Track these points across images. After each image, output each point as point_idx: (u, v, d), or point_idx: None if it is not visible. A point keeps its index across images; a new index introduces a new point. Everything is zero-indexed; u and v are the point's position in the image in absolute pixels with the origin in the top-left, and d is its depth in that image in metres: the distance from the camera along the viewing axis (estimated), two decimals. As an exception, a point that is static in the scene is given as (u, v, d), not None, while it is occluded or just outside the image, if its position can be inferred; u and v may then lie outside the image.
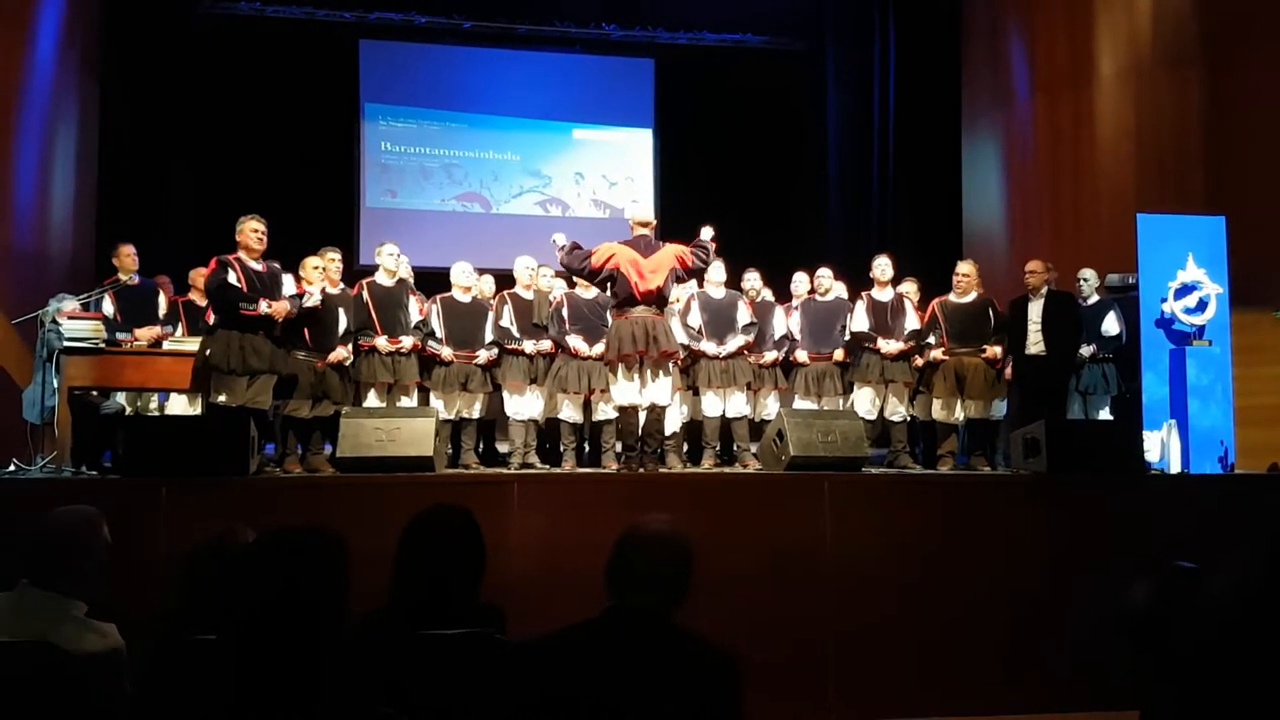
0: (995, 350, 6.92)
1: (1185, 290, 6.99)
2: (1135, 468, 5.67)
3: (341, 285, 6.69)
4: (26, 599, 2.46)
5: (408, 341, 6.67)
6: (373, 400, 6.55)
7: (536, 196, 12.04)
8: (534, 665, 2.08)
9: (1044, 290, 6.98)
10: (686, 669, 2.05)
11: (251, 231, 5.90)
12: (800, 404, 7.26)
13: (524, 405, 6.91)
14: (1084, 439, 5.75)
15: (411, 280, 7.20)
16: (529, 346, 6.94)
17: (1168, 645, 2.33)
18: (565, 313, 6.98)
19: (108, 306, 6.65)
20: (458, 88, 11.83)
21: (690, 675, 2.05)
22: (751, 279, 7.55)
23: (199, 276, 7.08)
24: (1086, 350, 7.16)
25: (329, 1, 11.31)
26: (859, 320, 7.22)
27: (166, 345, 6.33)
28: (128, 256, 6.96)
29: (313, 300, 6.16)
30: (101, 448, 6.23)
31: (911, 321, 7.18)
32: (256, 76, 10.81)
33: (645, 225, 6.43)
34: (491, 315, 7.05)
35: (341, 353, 6.32)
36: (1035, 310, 6.95)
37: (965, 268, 7.15)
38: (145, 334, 6.58)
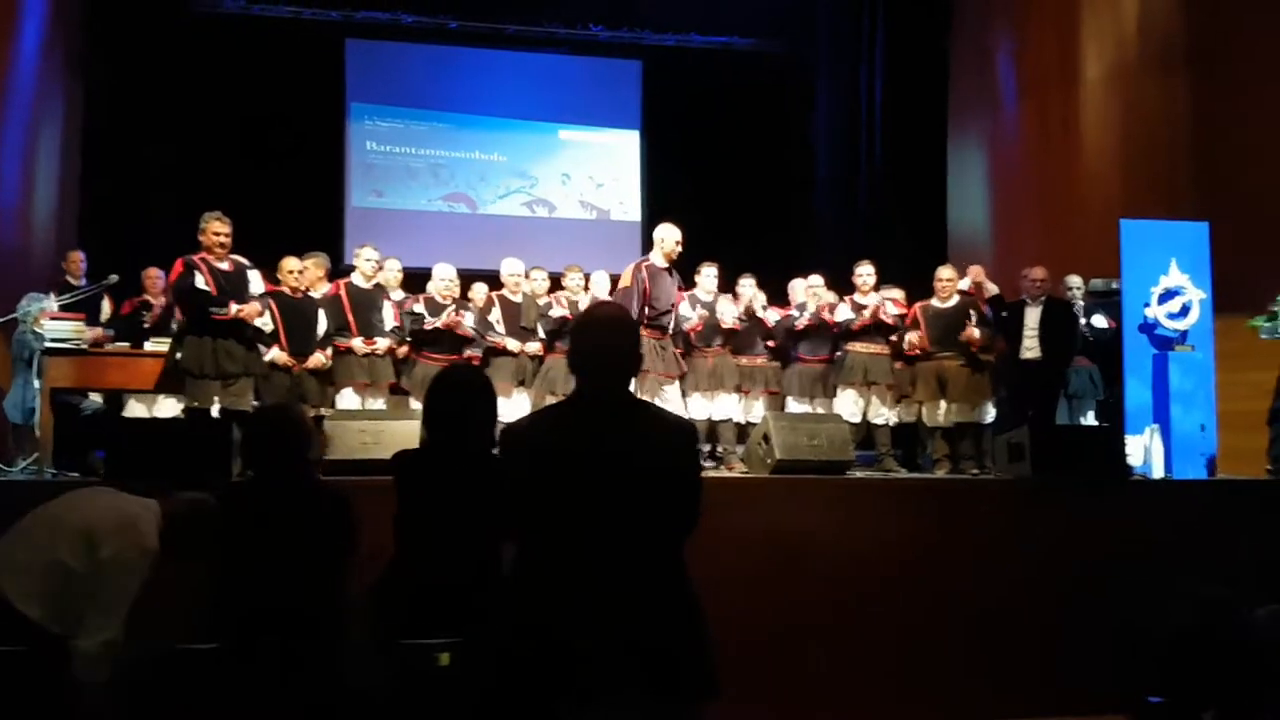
0: (973, 332, 6.88)
1: (1168, 295, 7.02)
2: (1118, 473, 5.69)
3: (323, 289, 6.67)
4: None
5: (383, 344, 6.65)
6: (347, 399, 6.51)
7: (523, 197, 12.01)
8: (540, 428, 2.37)
9: (1042, 297, 7.04)
10: (660, 428, 2.38)
11: (214, 234, 5.77)
12: (795, 406, 7.29)
13: (511, 408, 6.89)
14: (1068, 444, 5.77)
15: (399, 283, 7.18)
16: (512, 344, 6.93)
17: (1209, 671, 2.38)
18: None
19: (51, 304, 6.64)
20: (444, 88, 11.79)
21: (664, 432, 2.36)
22: (746, 285, 7.52)
23: (149, 278, 7.36)
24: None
25: (315, 0, 11.25)
26: (842, 311, 7.25)
27: (149, 346, 6.30)
28: (75, 262, 7.18)
29: (263, 322, 6.06)
30: (82, 449, 6.19)
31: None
32: (242, 75, 10.73)
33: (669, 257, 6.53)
34: (472, 309, 7.07)
35: (319, 358, 6.29)
36: (1033, 316, 7.00)
37: (946, 272, 7.19)
38: (88, 335, 6.58)
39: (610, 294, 7.63)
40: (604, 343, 2.34)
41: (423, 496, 2.79)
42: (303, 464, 3.11)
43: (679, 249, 6.54)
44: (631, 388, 2.45)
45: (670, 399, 6.55)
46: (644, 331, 6.33)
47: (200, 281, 5.68)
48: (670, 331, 6.87)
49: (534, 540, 2.21)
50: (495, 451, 2.80)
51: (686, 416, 7.10)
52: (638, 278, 6.35)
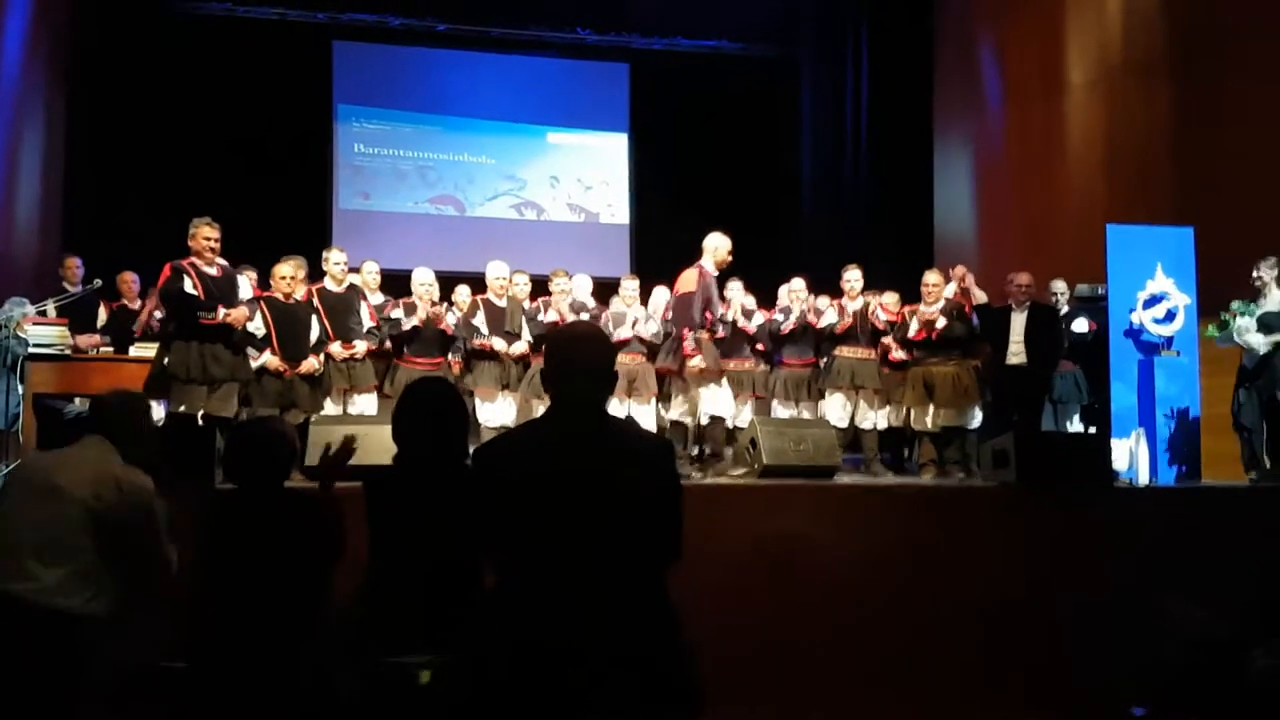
0: (932, 313, 6.89)
1: (1154, 300, 7.03)
2: (1103, 479, 5.70)
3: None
4: (89, 443, 3.26)
5: (362, 346, 6.62)
6: (330, 406, 6.47)
7: (511, 200, 12.01)
8: (515, 449, 2.29)
9: (1027, 302, 7.06)
10: (637, 448, 2.31)
11: (204, 239, 5.75)
12: (777, 411, 7.29)
13: (495, 412, 6.88)
14: (1053, 450, 5.78)
15: (377, 286, 7.16)
16: (499, 344, 6.91)
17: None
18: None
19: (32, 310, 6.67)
20: (432, 90, 11.78)
21: (641, 450, 2.30)
22: (734, 289, 7.52)
23: (124, 283, 7.46)
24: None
25: (302, 2, 11.21)
26: (828, 315, 7.26)
27: (133, 351, 6.28)
28: (71, 268, 7.25)
29: (255, 326, 6.07)
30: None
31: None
32: (228, 77, 10.69)
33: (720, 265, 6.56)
34: (455, 311, 7.05)
35: (313, 363, 6.26)
36: (1019, 322, 7.01)
37: (932, 277, 7.20)
38: (84, 341, 6.62)
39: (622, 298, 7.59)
40: (579, 360, 2.29)
41: (396, 514, 2.75)
42: (285, 477, 3.09)
43: (730, 258, 6.58)
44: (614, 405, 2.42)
45: (719, 397, 6.61)
46: (704, 335, 6.37)
47: (188, 286, 5.68)
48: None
49: (513, 562, 2.17)
50: (468, 464, 2.78)
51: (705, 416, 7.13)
52: (703, 284, 6.39)
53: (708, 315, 6.38)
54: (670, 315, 6.72)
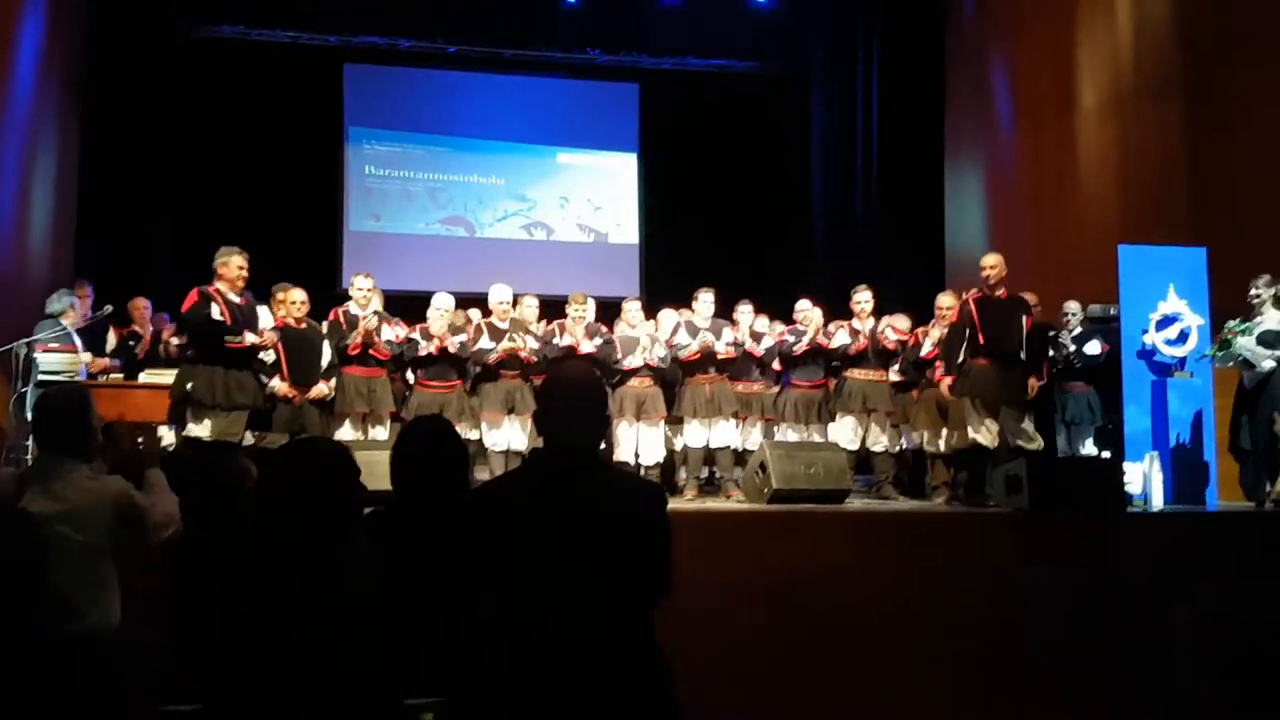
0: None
1: (1166, 321, 6.98)
2: (1117, 505, 5.64)
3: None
4: (42, 462, 3.00)
5: (388, 335, 6.65)
6: (347, 431, 6.46)
7: (521, 220, 12.02)
8: (501, 494, 2.33)
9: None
10: (627, 491, 2.33)
11: (237, 268, 5.84)
12: (787, 433, 7.26)
13: (501, 436, 6.85)
14: (1066, 476, 5.73)
15: (381, 305, 7.17)
16: (531, 343, 6.89)
17: None
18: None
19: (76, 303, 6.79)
20: (442, 112, 11.83)
21: (632, 496, 2.31)
22: (744, 311, 7.48)
23: (136, 308, 7.53)
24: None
25: (313, 25, 11.26)
26: (840, 337, 7.23)
27: (143, 378, 6.30)
28: (82, 298, 7.27)
29: (266, 352, 6.09)
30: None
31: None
32: (240, 100, 10.77)
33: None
34: (460, 337, 7.05)
35: (322, 388, 6.26)
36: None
37: (946, 299, 7.16)
38: (93, 365, 6.69)
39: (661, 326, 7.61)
40: (572, 403, 2.30)
41: (392, 550, 2.71)
42: (247, 517, 3.01)
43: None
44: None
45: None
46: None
47: (215, 312, 5.74)
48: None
49: (503, 601, 2.18)
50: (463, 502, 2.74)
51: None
52: (965, 313, 6.61)
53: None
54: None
